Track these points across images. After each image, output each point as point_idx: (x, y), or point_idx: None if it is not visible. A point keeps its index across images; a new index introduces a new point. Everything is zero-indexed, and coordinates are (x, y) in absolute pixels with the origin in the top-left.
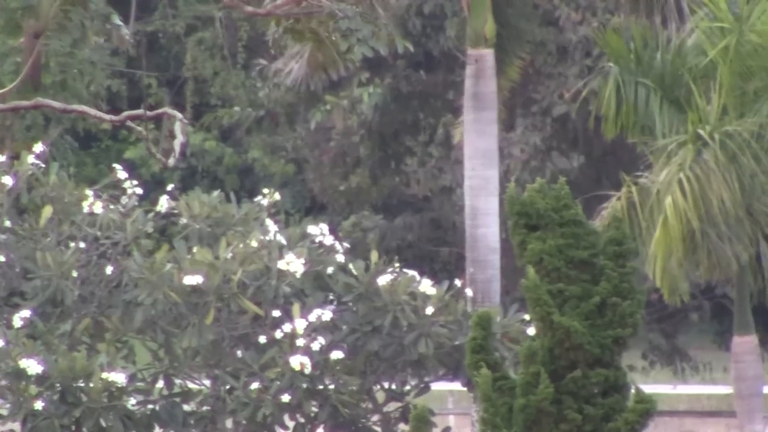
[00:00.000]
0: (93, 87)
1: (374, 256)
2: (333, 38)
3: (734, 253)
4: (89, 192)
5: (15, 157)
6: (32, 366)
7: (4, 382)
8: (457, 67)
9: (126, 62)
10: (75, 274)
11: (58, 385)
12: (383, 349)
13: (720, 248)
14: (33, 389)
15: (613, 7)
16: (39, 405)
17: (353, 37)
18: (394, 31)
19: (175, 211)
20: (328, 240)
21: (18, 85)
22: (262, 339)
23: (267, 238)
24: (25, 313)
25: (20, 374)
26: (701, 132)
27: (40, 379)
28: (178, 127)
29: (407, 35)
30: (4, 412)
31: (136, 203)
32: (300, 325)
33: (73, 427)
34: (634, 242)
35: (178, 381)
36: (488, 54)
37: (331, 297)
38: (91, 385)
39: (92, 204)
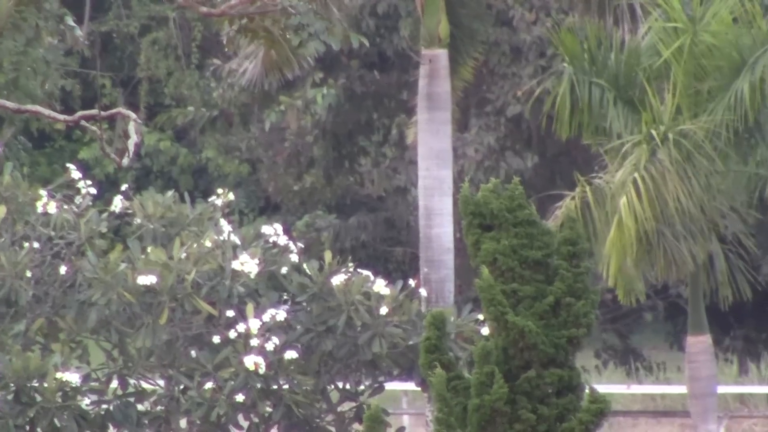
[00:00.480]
0: (47, 86)
1: (328, 256)
2: (287, 36)
3: (690, 252)
4: (43, 192)
5: None
6: None
7: None
8: (411, 67)
9: (80, 62)
10: (29, 274)
11: (12, 385)
12: (337, 349)
13: (676, 248)
14: None
15: (567, 7)
16: None
17: (305, 32)
18: (347, 28)
19: (129, 211)
20: (282, 240)
21: None
22: (216, 339)
23: (221, 238)
24: None
25: None
26: (655, 132)
27: None
28: (132, 127)
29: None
30: None
31: (90, 203)
32: (254, 325)
33: (28, 427)
34: (588, 242)
35: (132, 381)
36: (442, 54)
37: (285, 297)
38: (46, 385)
39: (46, 204)
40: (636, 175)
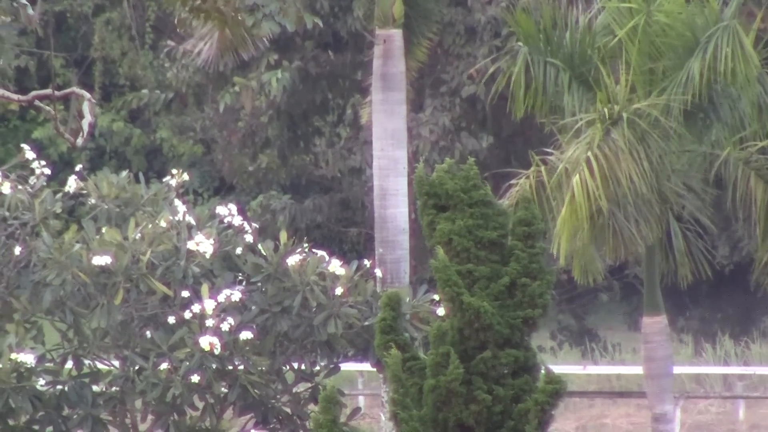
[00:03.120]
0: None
1: (283, 236)
2: (239, 17)
3: (641, 233)
4: None
5: None
6: None
7: None
8: (366, 47)
9: (34, 42)
10: None
11: None
12: (293, 329)
13: (626, 228)
14: None
15: None
16: None
17: (260, 12)
18: (301, 8)
19: (84, 192)
20: (237, 220)
21: None
22: (171, 319)
23: (176, 218)
24: None
25: None
26: (609, 111)
27: None
28: (86, 107)
29: (315, 16)
30: None
31: (44, 183)
32: (209, 305)
33: None
34: (543, 222)
35: (87, 362)
36: (396, 34)
37: (240, 277)
38: (0, 365)
39: (0, 184)
40: (589, 153)
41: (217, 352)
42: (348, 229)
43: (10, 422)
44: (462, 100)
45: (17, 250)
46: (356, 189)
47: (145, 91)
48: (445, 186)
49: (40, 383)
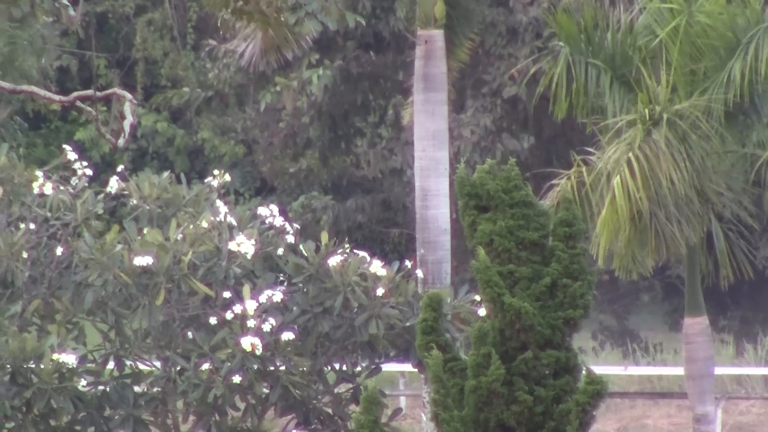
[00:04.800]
0: (44, 61)
1: (324, 237)
2: (281, 18)
3: (682, 234)
4: (39, 173)
5: None
6: None
7: None
8: (407, 48)
9: (76, 43)
10: (25, 255)
11: (8, 366)
12: (334, 330)
13: (668, 229)
14: None
15: None
16: None
17: (302, 11)
18: (343, 8)
19: (125, 192)
20: (279, 221)
21: None
22: (213, 320)
23: (217, 219)
24: None
25: None
26: (650, 112)
27: None
28: (127, 108)
29: (357, 15)
30: None
31: (86, 184)
32: (250, 306)
33: (24, 408)
34: (584, 223)
35: (128, 362)
36: (438, 35)
37: (281, 278)
38: (42, 366)
39: (42, 185)
40: (630, 154)
41: (258, 352)
42: (389, 229)
43: (52, 423)
44: (503, 101)
45: (59, 250)
46: (397, 190)
47: (186, 89)
48: (486, 187)
49: (82, 384)
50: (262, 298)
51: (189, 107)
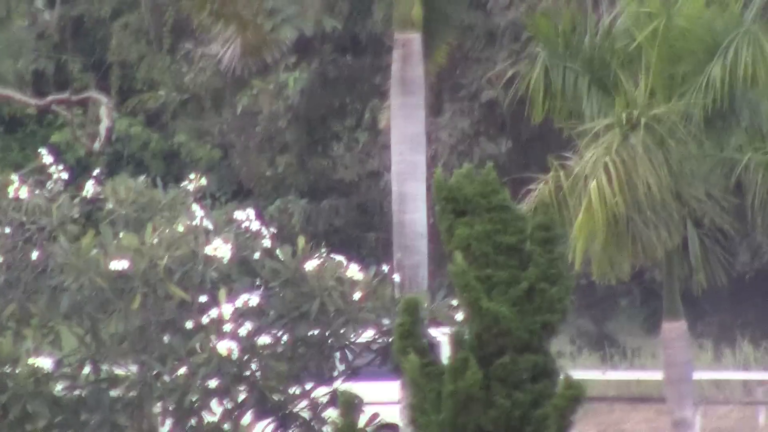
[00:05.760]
0: (20, 65)
1: (301, 241)
2: (258, 22)
3: (660, 238)
4: (14, 177)
5: None
6: None
7: None
8: (384, 51)
9: (51, 46)
10: (0, 259)
11: None
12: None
13: (645, 233)
14: None
15: None
16: None
17: (278, 16)
18: (320, 12)
19: (101, 196)
20: (255, 225)
21: None
22: (189, 324)
23: (193, 223)
24: None
25: None
26: (627, 116)
27: None
28: (103, 112)
29: (334, 19)
30: None
31: (62, 188)
32: (227, 310)
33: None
34: (561, 227)
35: (104, 367)
36: (415, 38)
37: (258, 282)
38: (18, 370)
39: (18, 189)
40: (607, 158)
41: (234, 357)
42: (366, 233)
43: (28, 427)
44: (481, 105)
45: (35, 254)
46: (374, 193)
47: (161, 92)
48: (464, 191)
49: (58, 388)
50: (239, 303)
51: (165, 111)
